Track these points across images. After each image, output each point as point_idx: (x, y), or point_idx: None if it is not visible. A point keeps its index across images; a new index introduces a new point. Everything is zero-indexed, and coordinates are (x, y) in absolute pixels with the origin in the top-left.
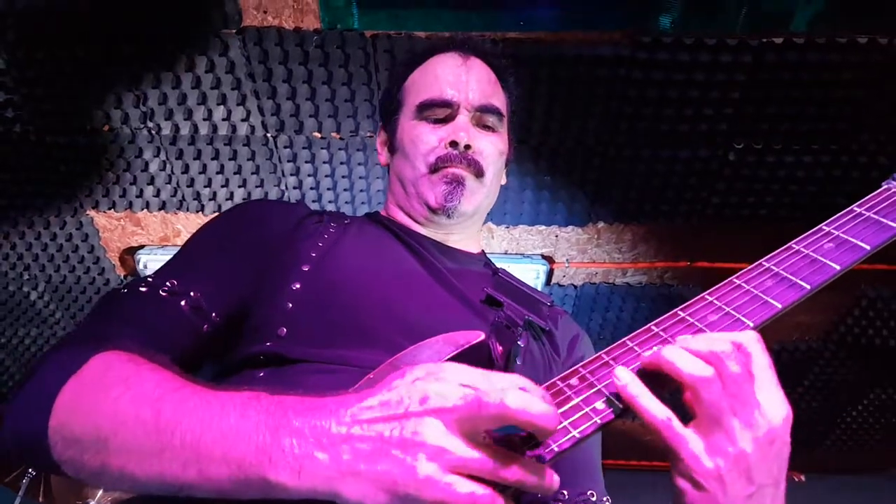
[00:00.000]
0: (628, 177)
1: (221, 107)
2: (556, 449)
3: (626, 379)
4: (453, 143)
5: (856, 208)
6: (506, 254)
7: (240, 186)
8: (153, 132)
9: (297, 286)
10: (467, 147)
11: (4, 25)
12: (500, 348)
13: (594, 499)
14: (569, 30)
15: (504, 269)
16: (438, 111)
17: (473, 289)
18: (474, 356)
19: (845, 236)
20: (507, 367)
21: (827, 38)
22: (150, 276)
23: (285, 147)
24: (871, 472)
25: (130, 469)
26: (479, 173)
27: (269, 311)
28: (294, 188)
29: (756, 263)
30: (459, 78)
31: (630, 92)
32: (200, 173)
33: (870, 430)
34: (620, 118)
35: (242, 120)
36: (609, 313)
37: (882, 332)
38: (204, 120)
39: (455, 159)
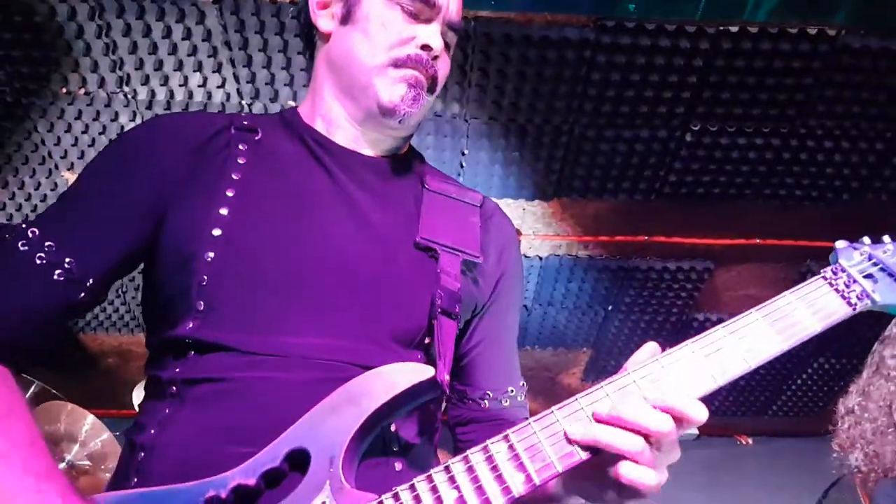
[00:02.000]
0: (592, 155)
1: (198, 73)
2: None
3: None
4: (426, 48)
5: (788, 295)
6: None
7: None
8: (129, 96)
9: (211, 256)
10: (435, 57)
11: None
12: (447, 376)
13: (513, 392)
14: (538, 11)
15: (432, 173)
16: (419, 6)
17: (404, 225)
18: (425, 387)
19: (768, 325)
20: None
21: (779, 28)
22: (33, 228)
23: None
24: (813, 436)
25: None
26: (432, 88)
27: (185, 282)
28: None
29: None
30: None
31: (594, 75)
32: None
33: (813, 398)
34: (585, 99)
35: (218, 87)
36: (571, 284)
37: None
38: (180, 86)
39: (424, 64)
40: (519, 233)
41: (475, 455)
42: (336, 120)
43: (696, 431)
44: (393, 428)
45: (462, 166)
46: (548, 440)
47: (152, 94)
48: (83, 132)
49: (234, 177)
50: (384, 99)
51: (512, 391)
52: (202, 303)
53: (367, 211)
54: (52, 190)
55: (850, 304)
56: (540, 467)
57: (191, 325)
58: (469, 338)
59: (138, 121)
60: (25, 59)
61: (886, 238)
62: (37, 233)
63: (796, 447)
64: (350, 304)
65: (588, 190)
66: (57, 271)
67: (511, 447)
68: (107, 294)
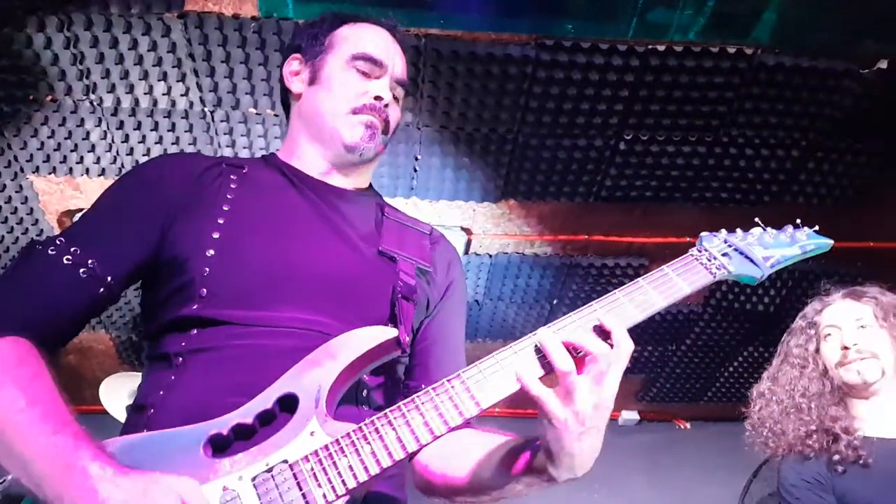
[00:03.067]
0: (535, 160)
1: (162, 82)
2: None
3: (521, 370)
4: (378, 98)
5: (665, 268)
6: None
7: None
8: (95, 104)
9: (211, 252)
10: (386, 106)
11: None
12: (406, 337)
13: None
14: (483, 30)
15: (389, 206)
16: (370, 67)
17: (369, 238)
18: (389, 345)
19: (651, 289)
20: (408, 340)
21: (702, 47)
22: (61, 237)
23: (222, 121)
24: (746, 420)
25: None
26: (385, 130)
27: (189, 275)
28: None
29: (609, 294)
30: (389, 49)
31: (536, 88)
32: (140, 143)
33: (745, 384)
34: (528, 110)
35: (182, 95)
36: (519, 279)
37: (752, 298)
38: (145, 94)
39: (377, 110)
40: (470, 232)
41: (435, 389)
42: (309, 160)
43: (637, 416)
44: (364, 393)
45: (416, 170)
46: (494, 375)
47: (118, 101)
48: (49, 137)
49: (228, 196)
50: (346, 139)
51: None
52: (205, 289)
53: (338, 225)
54: (16, 192)
55: (710, 272)
56: (485, 395)
57: (195, 307)
58: (421, 338)
59: (104, 127)
60: None
61: (739, 230)
62: (63, 241)
63: (731, 430)
64: (326, 291)
65: (532, 193)
66: (81, 269)
67: (462, 382)
68: (119, 295)
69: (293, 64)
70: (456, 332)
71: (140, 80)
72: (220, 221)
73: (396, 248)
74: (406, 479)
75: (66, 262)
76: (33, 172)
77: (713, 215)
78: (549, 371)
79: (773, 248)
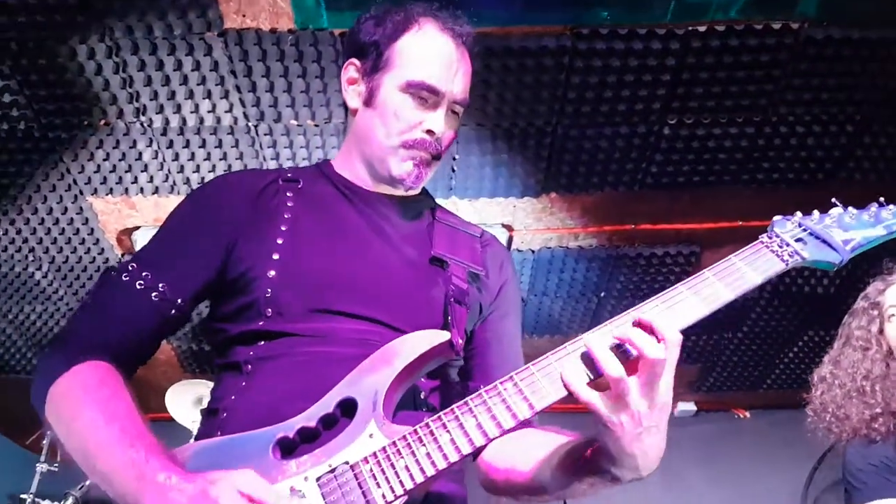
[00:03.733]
0: (576, 152)
1: (207, 100)
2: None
3: (568, 375)
4: (430, 132)
5: (733, 258)
6: None
7: (225, 171)
8: (145, 125)
9: (272, 274)
10: (439, 138)
11: (7, 36)
12: (459, 340)
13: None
14: (516, 24)
15: (441, 209)
16: (426, 94)
17: (421, 246)
18: (443, 348)
19: (717, 281)
20: (461, 346)
21: (745, 24)
22: (132, 264)
23: (265, 134)
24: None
25: (75, 458)
26: (438, 157)
27: (254, 296)
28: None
29: (672, 288)
30: (451, 69)
31: (573, 78)
32: (189, 160)
33: (805, 370)
34: (566, 101)
35: (226, 111)
36: (564, 274)
37: (811, 281)
38: (191, 112)
39: (428, 147)
40: (511, 228)
41: (488, 392)
42: (361, 175)
43: (693, 407)
44: (422, 396)
45: (454, 170)
46: (545, 378)
47: (167, 121)
48: (104, 160)
49: (286, 216)
50: (394, 173)
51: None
52: (270, 310)
53: (391, 235)
54: (77, 213)
55: (783, 260)
56: (538, 398)
57: (261, 324)
58: (477, 340)
59: (155, 147)
60: (50, 97)
61: (815, 212)
62: (135, 266)
63: (792, 418)
64: (381, 301)
65: (574, 185)
66: (153, 294)
67: (515, 384)
68: (191, 314)
69: (350, 70)
70: (511, 331)
71: (186, 99)
72: (279, 242)
73: (448, 252)
74: (465, 474)
75: (138, 287)
76: (92, 194)
77: (765, 197)
78: (598, 375)
79: (853, 229)
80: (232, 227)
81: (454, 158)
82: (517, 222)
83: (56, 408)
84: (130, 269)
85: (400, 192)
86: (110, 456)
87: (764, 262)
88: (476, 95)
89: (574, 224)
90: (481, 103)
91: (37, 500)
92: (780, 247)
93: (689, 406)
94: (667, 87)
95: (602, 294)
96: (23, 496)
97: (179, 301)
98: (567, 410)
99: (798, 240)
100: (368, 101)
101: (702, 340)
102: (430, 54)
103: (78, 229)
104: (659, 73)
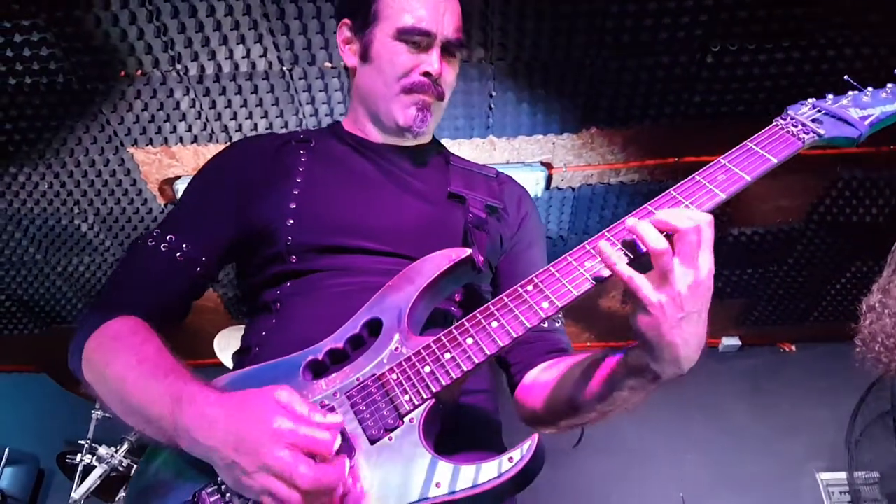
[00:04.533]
0: (615, 85)
1: (241, 46)
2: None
3: (607, 250)
4: (426, 74)
5: (748, 143)
6: (507, 163)
7: (262, 117)
8: (181, 73)
9: (291, 222)
10: (438, 78)
11: None
12: (481, 257)
13: (558, 325)
14: None
15: (453, 154)
16: (417, 38)
17: (437, 186)
18: (464, 266)
19: (733, 167)
20: (484, 265)
21: None
22: (157, 230)
23: (300, 79)
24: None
25: (113, 408)
26: (441, 97)
27: (276, 244)
28: (311, 116)
29: (687, 179)
30: (438, 10)
31: (611, 7)
32: (226, 108)
33: (854, 301)
34: (604, 31)
35: (260, 56)
36: (605, 211)
37: (858, 210)
38: (226, 59)
39: (427, 88)
40: (551, 166)
41: (509, 295)
42: (370, 130)
43: (738, 342)
44: (453, 309)
45: (491, 108)
46: (565, 276)
47: (202, 69)
48: (143, 110)
49: (300, 169)
50: (400, 121)
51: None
52: (294, 256)
53: (406, 179)
54: (119, 165)
55: (798, 139)
56: (559, 294)
57: (288, 266)
58: (503, 273)
59: (192, 95)
60: (87, 49)
61: (830, 94)
62: (160, 232)
63: (839, 351)
64: (401, 235)
65: (614, 119)
66: (178, 254)
67: (536, 285)
68: (218, 273)
69: (344, 31)
70: (536, 262)
71: (220, 45)
72: (296, 192)
73: (464, 189)
74: (497, 398)
75: (163, 249)
76: (132, 145)
77: None
78: (636, 255)
79: (871, 106)
80: (249, 186)
81: (491, 96)
82: (557, 159)
83: (90, 360)
84: (155, 234)
85: (410, 141)
86: (145, 389)
87: (779, 143)
88: (513, 29)
89: (615, 159)
90: (518, 37)
91: (93, 445)
92: (796, 126)
93: (733, 341)
94: (709, 13)
95: None
96: (80, 441)
97: (204, 259)
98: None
99: (814, 120)
100: (364, 56)
101: (746, 274)
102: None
103: (120, 180)
104: None
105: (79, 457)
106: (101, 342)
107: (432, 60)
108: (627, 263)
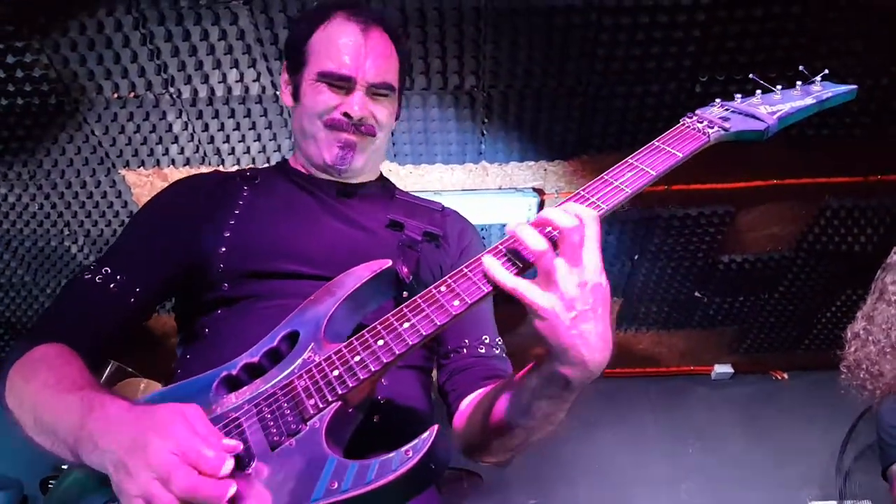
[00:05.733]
0: (606, 112)
1: (234, 70)
2: (437, 322)
3: (488, 263)
4: (347, 115)
5: (655, 142)
6: (500, 189)
7: (255, 140)
8: (174, 96)
9: (223, 250)
10: (361, 119)
11: (36, 9)
12: (406, 269)
13: (488, 341)
14: None
15: (400, 190)
16: (337, 82)
17: (376, 218)
18: (387, 278)
19: (639, 164)
20: (415, 278)
21: None
22: (94, 264)
23: None
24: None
25: (28, 430)
26: (371, 135)
27: (209, 272)
28: None
29: (595, 179)
30: (358, 53)
31: (602, 36)
32: (219, 131)
33: (844, 329)
34: (595, 59)
35: (253, 80)
36: None
37: (847, 239)
38: (219, 82)
39: (347, 127)
40: (542, 192)
41: (423, 297)
42: (307, 167)
43: (731, 369)
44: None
45: (483, 134)
46: (476, 275)
47: (195, 92)
48: (135, 132)
49: (240, 202)
50: (325, 157)
51: (486, 339)
52: (225, 283)
53: (344, 211)
54: (110, 187)
55: (704, 134)
56: (471, 293)
57: (219, 294)
58: None
59: (184, 118)
60: (80, 71)
61: (739, 95)
62: (97, 265)
63: (831, 379)
64: (334, 261)
65: (605, 145)
66: (111, 285)
67: (448, 286)
68: (154, 308)
69: (284, 73)
70: None
71: (214, 69)
72: (231, 223)
73: (404, 217)
74: (432, 405)
75: (98, 280)
76: (124, 167)
77: (801, 155)
78: (522, 268)
79: (781, 103)
80: (187, 219)
81: (483, 122)
82: (548, 186)
83: (12, 385)
84: (92, 268)
85: (351, 178)
86: (59, 403)
87: (685, 139)
88: (504, 57)
89: None
90: (510, 65)
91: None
92: (702, 123)
93: (726, 368)
94: (696, 43)
95: (636, 257)
96: (63, 467)
97: (138, 290)
98: (611, 375)
99: (722, 118)
100: (296, 96)
101: (738, 302)
102: (335, 45)
103: (112, 202)
104: (689, 28)
105: None
106: (23, 365)
107: (353, 102)
108: (518, 272)
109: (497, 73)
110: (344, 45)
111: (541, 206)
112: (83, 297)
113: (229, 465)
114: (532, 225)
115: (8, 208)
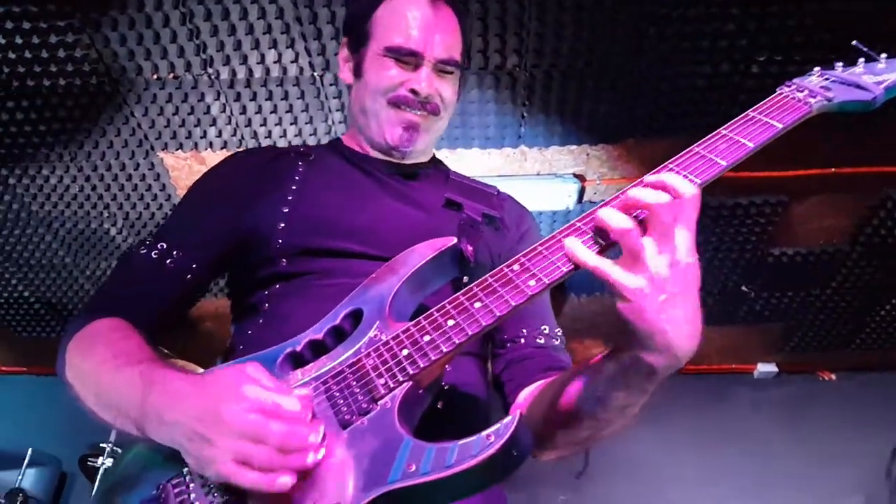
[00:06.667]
0: (654, 94)
1: (272, 50)
2: (512, 303)
3: (569, 241)
4: (414, 92)
5: (750, 112)
6: (538, 175)
7: (291, 124)
8: (213, 77)
9: (282, 225)
10: (427, 97)
11: None
12: (471, 248)
13: (547, 332)
14: None
15: (453, 171)
16: (405, 57)
17: (433, 198)
18: (451, 257)
19: (734, 136)
20: (476, 259)
21: None
22: (150, 238)
23: (331, 85)
24: None
25: (90, 405)
26: (435, 114)
27: (267, 247)
28: (340, 123)
29: (684, 152)
30: (427, 27)
31: (657, 10)
32: (256, 113)
33: None
34: (645, 38)
35: (292, 61)
36: None
37: None
38: (257, 63)
39: (413, 105)
40: (583, 178)
41: (494, 275)
42: (365, 146)
43: (775, 369)
44: None
45: (524, 117)
46: (554, 254)
47: (233, 73)
48: (174, 114)
49: (296, 178)
50: (387, 139)
51: (546, 329)
52: (284, 260)
53: (401, 190)
54: (149, 169)
55: (805, 104)
56: (547, 273)
57: (277, 269)
58: None
59: (222, 100)
60: (120, 51)
61: (839, 64)
62: (152, 240)
63: (881, 380)
64: (392, 241)
65: (652, 129)
66: (168, 261)
67: (522, 264)
68: (209, 285)
69: (343, 49)
70: None
71: (252, 49)
72: (289, 198)
73: (462, 197)
74: (490, 390)
75: (154, 256)
76: (162, 150)
77: (864, 138)
78: (604, 246)
79: (886, 73)
80: (242, 194)
81: (524, 104)
82: (590, 172)
83: (71, 361)
84: (147, 243)
85: (406, 159)
86: (119, 378)
87: (785, 110)
88: (550, 35)
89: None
90: (555, 43)
91: (115, 448)
92: (802, 92)
93: (770, 367)
94: (756, 21)
95: None
96: (102, 445)
97: (194, 266)
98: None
99: (823, 87)
100: (357, 72)
101: (787, 297)
102: (404, 18)
103: (150, 185)
104: (747, 5)
105: (100, 460)
106: (80, 341)
107: (420, 78)
108: (600, 251)
109: (541, 51)
110: (413, 18)
111: (581, 192)
112: (139, 273)
113: (308, 408)
114: (616, 207)
115: (50, 190)
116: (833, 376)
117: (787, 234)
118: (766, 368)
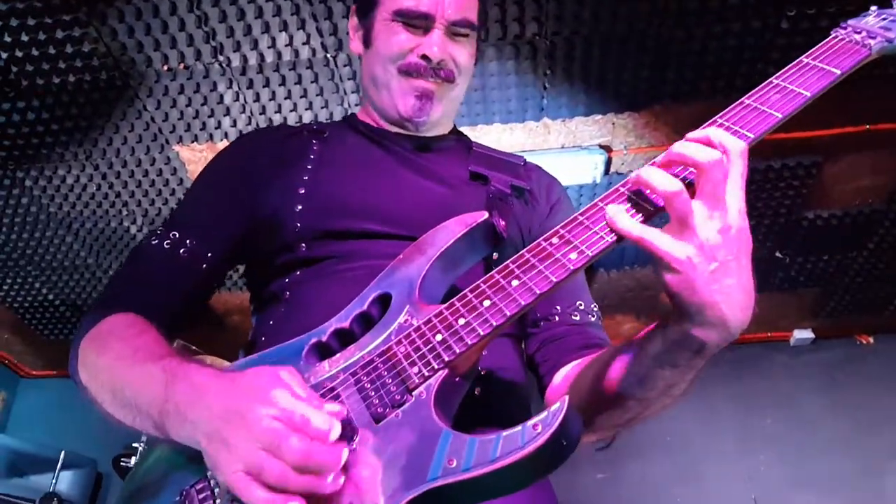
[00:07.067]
0: (682, 56)
1: (283, 33)
2: (553, 279)
3: (611, 209)
4: (425, 58)
5: (803, 59)
6: (563, 148)
7: (307, 108)
8: (224, 65)
9: (300, 208)
10: (440, 62)
11: None
12: (503, 222)
13: (583, 308)
14: None
15: (476, 143)
16: (414, 20)
17: (457, 171)
18: (483, 233)
19: (788, 85)
20: (507, 234)
21: None
22: (161, 227)
23: (345, 65)
24: None
25: (105, 406)
26: (450, 80)
27: (285, 232)
28: (356, 105)
29: (734, 105)
30: None
31: None
32: (270, 100)
33: None
34: None
35: (303, 43)
36: None
37: None
38: (268, 48)
39: (425, 72)
40: (609, 149)
41: (531, 251)
42: (379, 120)
43: (811, 335)
44: None
45: (545, 87)
46: (596, 224)
47: (244, 59)
48: (187, 105)
49: (311, 157)
50: (400, 109)
51: (581, 305)
52: (304, 244)
53: (423, 164)
54: (165, 164)
55: (864, 46)
56: (590, 244)
57: (297, 255)
58: None
59: (235, 88)
60: (129, 43)
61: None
62: (164, 229)
63: None
64: (416, 219)
65: (680, 94)
66: (181, 250)
67: (561, 236)
68: (224, 273)
69: (352, 18)
70: None
71: (262, 33)
72: (305, 178)
73: (487, 169)
74: (527, 374)
75: (166, 246)
76: (177, 143)
77: None
78: (650, 213)
79: None
80: (255, 176)
81: (546, 74)
82: (616, 142)
83: (84, 360)
84: (159, 232)
85: (423, 131)
86: (138, 375)
87: (841, 53)
88: (570, 1)
89: (680, 138)
90: (576, 8)
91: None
92: (859, 33)
93: (806, 334)
94: None
95: None
96: (135, 445)
97: (209, 255)
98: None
99: (883, 27)
100: (367, 41)
101: (822, 261)
102: None
103: (167, 180)
104: None
105: (133, 460)
106: (93, 339)
107: (431, 42)
108: (644, 219)
109: (561, 17)
110: None
111: (608, 164)
112: (152, 265)
113: (338, 428)
114: (659, 165)
115: (67, 190)
116: (871, 339)
117: (822, 196)
118: (802, 335)
